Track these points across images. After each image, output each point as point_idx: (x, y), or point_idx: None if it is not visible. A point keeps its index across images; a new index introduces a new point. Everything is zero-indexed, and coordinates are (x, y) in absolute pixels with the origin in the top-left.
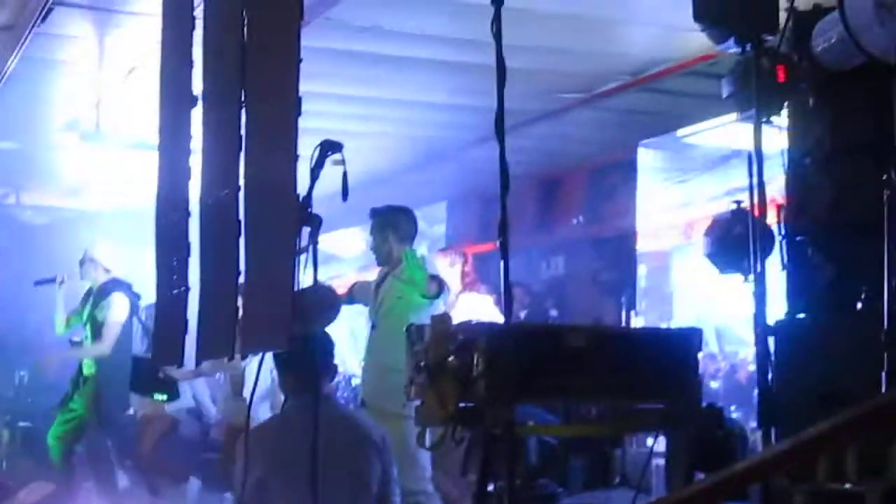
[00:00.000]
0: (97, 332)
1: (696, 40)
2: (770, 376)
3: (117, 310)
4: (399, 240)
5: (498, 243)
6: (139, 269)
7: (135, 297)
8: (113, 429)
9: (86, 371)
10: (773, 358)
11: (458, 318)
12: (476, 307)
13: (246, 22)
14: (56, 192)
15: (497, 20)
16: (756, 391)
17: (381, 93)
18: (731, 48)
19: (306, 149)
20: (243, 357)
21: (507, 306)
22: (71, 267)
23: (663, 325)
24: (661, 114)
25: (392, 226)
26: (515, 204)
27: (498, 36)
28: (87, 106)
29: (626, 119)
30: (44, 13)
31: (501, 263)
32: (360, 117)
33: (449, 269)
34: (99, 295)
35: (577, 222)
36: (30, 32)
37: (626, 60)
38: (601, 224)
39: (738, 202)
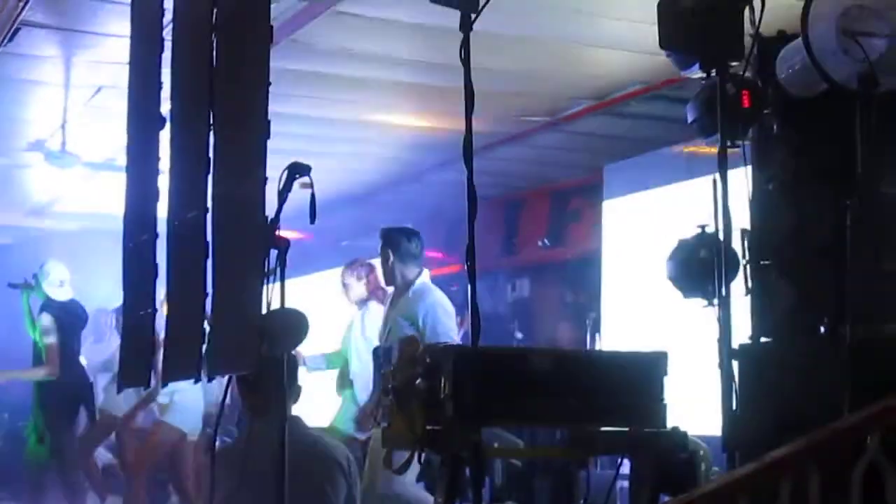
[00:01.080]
0: (38, 355)
1: (662, 64)
2: (734, 400)
3: (46, 333)
4: (400, 259)
5: (465, 266)
6: (102, 288)
7: (72, 316)
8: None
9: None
10: (736, 382)
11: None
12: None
13: (215, 44)
14: (20, 212)
15: (465, 46)
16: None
17: (346, 115)
18: (696, 73)
19: (273, 170)
20: (210, 379)
21: (474, 329)
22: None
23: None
24: (626, 137)
25: (392, 245)
26: (480, 226)
27: (466, 61)
28: (52, 126)
29: (591, 142)
30: (10, 33)
31: (469, 287)
32: (325, 139)
33: (356, 281)
34: (34, 315)
35: (542, 244)
36: None
37: (591, 84)
38: (566, 246)
39: (703, 226)
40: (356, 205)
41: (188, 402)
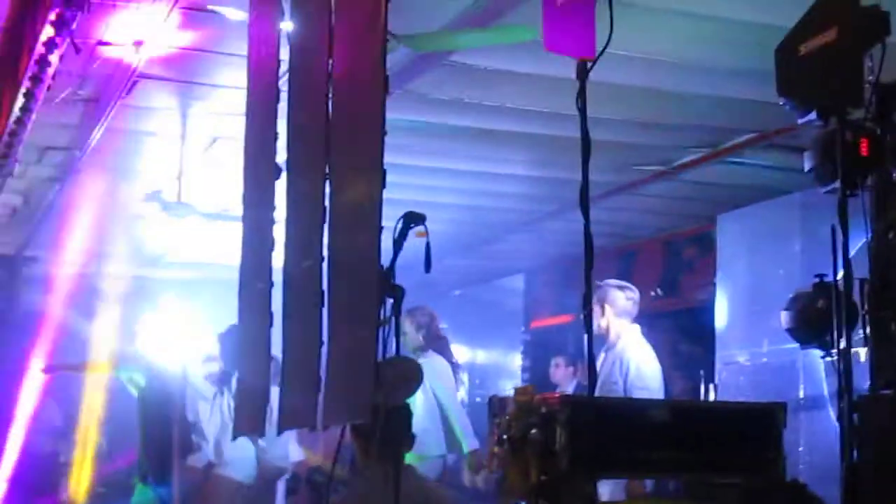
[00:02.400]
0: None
1: (775, 112)
2: (854, 453)
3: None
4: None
5: (579, 316)
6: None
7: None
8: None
9: None
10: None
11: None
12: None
13: (331, 94)
14: (135, 262)
15: (582, 94)
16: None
17: (458, 165)
18: (814, 121)
19: (385, 220)
20: (325, 428)
21: (591, 379)
22: None
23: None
24: (739, 186)
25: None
26: (594, 275)
27: (583, 110)
28: (168, 177)
29: (704, 191)
30: (128, 86)
31: (585, 336)
32: (438, 189)
33: (413, 331)
34: None
35: (654, 294)
36: (114, 104)
37: (704, 132)
38: (679, 296)
39: (821, 276)
40: (466, 254)
41: (237, 454)
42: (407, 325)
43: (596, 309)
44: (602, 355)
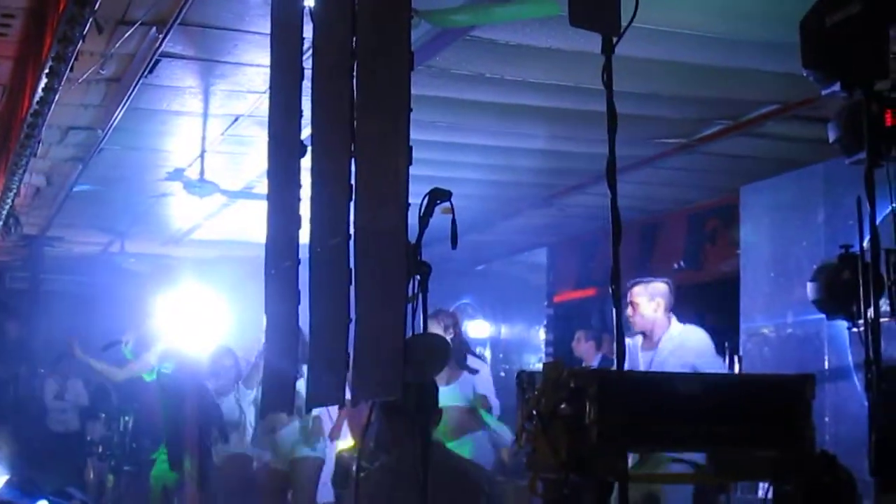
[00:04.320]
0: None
1: (797, 84)
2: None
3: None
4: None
5: (600, 289)
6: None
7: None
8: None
9: None
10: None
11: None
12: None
13: (355, 71)
14: (158, 241)
15: (608, 69)
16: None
17: (481, 140)
18: (838, 93)
19: (412, 196)
20: (354, 404)
21: (618, 354)
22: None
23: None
24: (762, 158)
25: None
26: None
27: (609, 85)
28: (191, 155)
29: (726, 164)
30: (151, 65)
31: (613, 311)
32: (459, 164)
33: (441, 332)
34: None
35: (677, 266)
36: (137, 84)
37: (726, 105)
38: (703, 268)
39: (846, 246)
40: (489, 229)
41: (287, 435)
42: (433, 328)
43: (648, 303)
44: (641, 345)
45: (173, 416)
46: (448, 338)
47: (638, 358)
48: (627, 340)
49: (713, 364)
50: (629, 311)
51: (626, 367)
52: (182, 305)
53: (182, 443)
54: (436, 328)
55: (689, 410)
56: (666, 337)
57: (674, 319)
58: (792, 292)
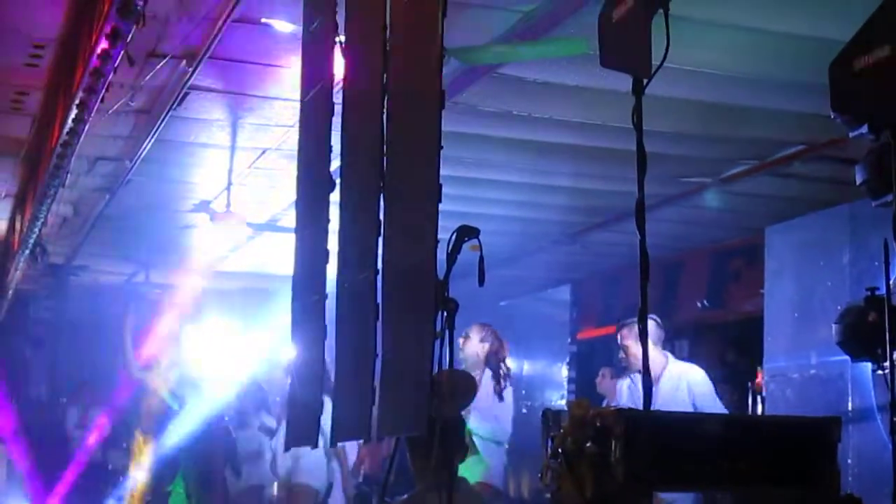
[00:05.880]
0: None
1: (824, 124)
2: None
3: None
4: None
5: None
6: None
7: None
8: None
9: None
10: None
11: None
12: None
13: (385, 106)
14: (183, 271)
15: (638, 110)
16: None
17: (506, 176)
18: (865, 135)
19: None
20: (379, 439)
21: (645, 394)
22: None
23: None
24: (788, 198)
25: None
26: (637, 287)
27: (639, 126)
28: (218, 187)
29: (753, 203)
30: (179, 97)
31: (640, 349)
32: (485, 200)
33: (478, 341)
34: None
35: (700, 306)
36: (165, 116)
37: (753, 145)
38: (726, 307)
39: (872, 289)
40: (513, 265)
41: (313, 462)
42: (473, 333)
43: (636, 344)
44: (632, 382)
45: (190, 447)
46: (483, 347)
47: (639, 395)
48: (625, 380)
49: (713, 404)
50: (621, 354)
51: (628, 404)
52: (207, 336)
53: (196, 476)
54: (475, 336)
55: (716, 450)
56: (666, 374)
57: (670, 356)
58: (816, 333)
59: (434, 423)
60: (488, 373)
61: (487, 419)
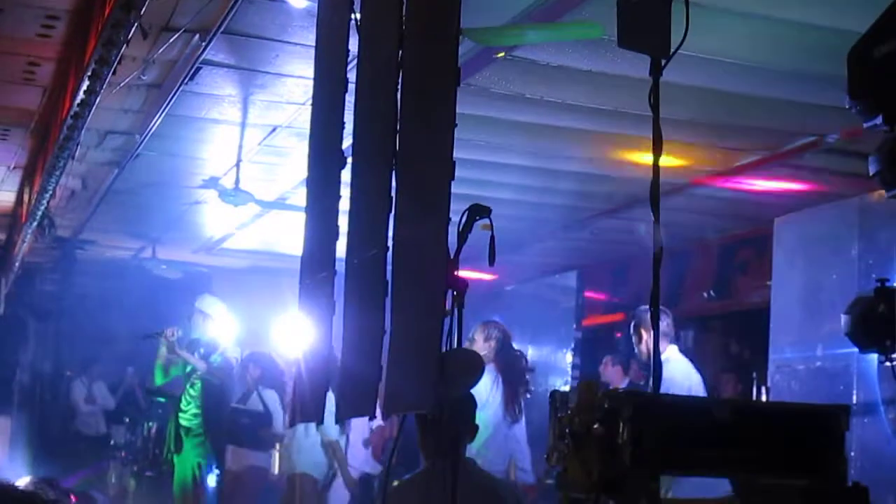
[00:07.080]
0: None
1: (836, 116)
2: None
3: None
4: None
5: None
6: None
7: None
8: None
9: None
10: None
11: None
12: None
13: (400, 84)
14: (190, 248)
15: (655, 92)
16: None
17: (516, 160)
18: (880, 126)
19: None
20: (385, 418)
21: (655, 376)
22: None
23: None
24: (798, 190)
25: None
26: (644, 276)
27: (656, 107)
28: (227, 164)
29: (761, 194)
30: (192, 72)
31: (651, 335)
32: (495, 184)
33: (482, 341)
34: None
35: (706, 296)
36: (177, 90)
37: (764, 135)
38: (732, 298)
39: (882, 279)
40: (521, 250)
41: (311, 452)
42: (477, 334)
43: (640, 334)
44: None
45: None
46: (489, 345)
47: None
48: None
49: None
50: (635, 339)
51: None
52: (222, 312)
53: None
54: (479, 336)
55: (724, 436)
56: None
57: (669, 347)
58: (822, 325)
59: (442, 402)
60: (500, 380)
61: (502, 454)
